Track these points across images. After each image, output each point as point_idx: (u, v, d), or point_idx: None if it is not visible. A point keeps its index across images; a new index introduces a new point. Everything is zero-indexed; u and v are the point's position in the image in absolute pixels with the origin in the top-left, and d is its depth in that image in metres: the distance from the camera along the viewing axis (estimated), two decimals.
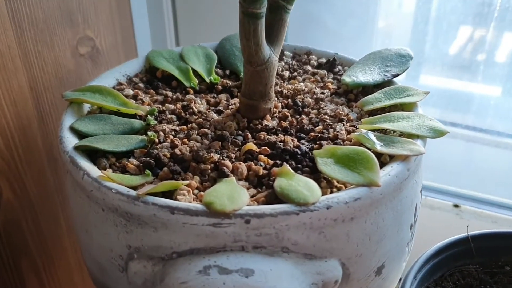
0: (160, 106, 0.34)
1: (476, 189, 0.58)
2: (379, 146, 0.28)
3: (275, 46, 0.32)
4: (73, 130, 0.30)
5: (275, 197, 0.26)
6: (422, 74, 0.60)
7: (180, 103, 0.34)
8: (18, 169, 0.38)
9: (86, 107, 0.34)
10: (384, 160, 0.28)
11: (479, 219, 0.53)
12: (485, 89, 0.58)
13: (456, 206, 0.54)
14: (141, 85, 0.37)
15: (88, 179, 0.26)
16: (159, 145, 0.30)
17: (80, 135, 0.30)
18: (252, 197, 0.26)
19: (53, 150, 0.41)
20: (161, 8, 0.48)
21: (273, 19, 0.31)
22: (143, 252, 0.26)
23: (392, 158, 0.28)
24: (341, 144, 0.29)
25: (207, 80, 0.37)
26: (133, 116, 0.33)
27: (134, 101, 0.34)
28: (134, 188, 0.26)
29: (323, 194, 0.26)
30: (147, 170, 0.28)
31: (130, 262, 0.26)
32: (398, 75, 0.36)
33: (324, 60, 0.40)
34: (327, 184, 0.27)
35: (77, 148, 0.28)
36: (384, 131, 0.31)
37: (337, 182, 0.27)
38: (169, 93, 0.36)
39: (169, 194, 0.26)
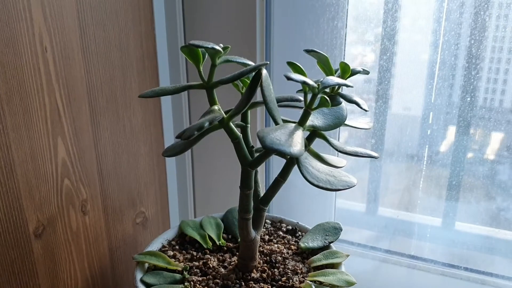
0: (189, 263, 0.57)
1: None
2: None
3: (257, 230, 0.55)
4: (141, 281, 0.53)
5: None
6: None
7: (201, 261, 0.57)
8: None
9: (146, 264, 0.56)
10: None
11: None
12: None
13: None
14: (177, 247, 0.60)
15: None
16: None
17: (146, 284, 0.53)
18: None
19: None
20: (185, 184, 0.72)
21: (256, 215, 0.55)
22: None
23: None
24: None
25: (217, 243, 0.60)
26: (174, 271, 0.55)
27: (174, 260, 0.57)
28: None
29: None
30: None
31: None
32: (332, 242, 0.59)
33: (290, 227, 0.63)
34: None
35: None
36: (320, 282, 0.53)
37: None
38: (194, 253, 0.59)
39: None
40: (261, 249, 0.59)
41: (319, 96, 0.45)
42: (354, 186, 0.45)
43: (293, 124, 0.45)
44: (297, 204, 0.81)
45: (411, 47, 0.73)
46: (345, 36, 0.72)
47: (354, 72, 0.52)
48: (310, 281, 0.53)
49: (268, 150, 0.40)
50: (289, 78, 0.41)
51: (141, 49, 0.60)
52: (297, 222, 0.64)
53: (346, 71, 0.51)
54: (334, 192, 0.83)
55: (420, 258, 0.83)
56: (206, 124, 0.41)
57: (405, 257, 0.84)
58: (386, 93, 0.75)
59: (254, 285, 0.53)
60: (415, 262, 0.83)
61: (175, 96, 0.66)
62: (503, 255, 0.79)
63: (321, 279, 0.53)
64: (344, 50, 0.72)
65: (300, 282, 0.53)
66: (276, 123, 0.45)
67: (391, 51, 0.72)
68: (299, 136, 0.43)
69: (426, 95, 0.74)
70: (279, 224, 0.64)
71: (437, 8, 0.69)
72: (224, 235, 0.62)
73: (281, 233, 0.63)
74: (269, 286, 0.53)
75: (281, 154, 0.56)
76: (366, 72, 0.53)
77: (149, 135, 0.63)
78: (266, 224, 0.64)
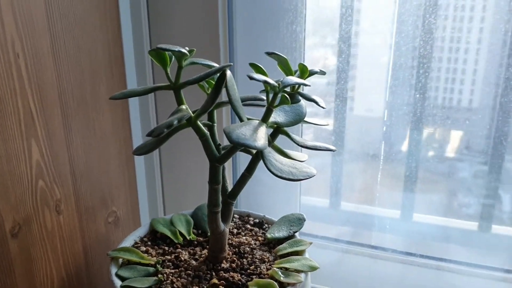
0: (162, 257, 0.60)
1: None
2: (282, 278, 0.54)
3: (226, 223, 0.58)
4: (117, 275, 0.55)
5: None
6: None
7: (173, 254, 0.60)
8: None
9: (120, 260, 0.59)
10: (285, 285, 0.54)
11: None
12: None
13: None
14: (149, 243, 0.62)
15: None
16: (164, 282, 0.55)
17: (121, 277, 0.55)
18: None
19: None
20: (154, 183, 0.75)
21: (225, 209, 0.58)
22: None
23: (288, 284, 0.54)
24: (263, 278, 0.55)
25: (188, 238, 0.63)
26: (147, 265, 0.58)
27: (146, 254, 0.60)
28: None
29: None
30: None
31: None
32: (297, 231, 0.63)
33: (257, 220, 0.67)
34: None
35: (123, 287, 0.53)
36: (286, 268, 0.57)
37: None
38: (166, 248, 0.61)
39: None
40: (230, 242, 0.62)
41: (280, 95, 0.49)
42: (314, 176, 0.49)
43: (257, 121, 0.48)
44: (263, 201, 0.85)
45: (370, 50, 0.78)
46: (304, 40, 0.76)
47: (312, 73, 0.56)
48: (277, 268, 0.56)
49: (234, 145, 0.44)
50: (251, 78, 0.45)
51: (109, 54, 0.63)
52: (264, 215, 0.67)
53: (304, 72, 0.55)
54: (298, 188, 0.87)
55: (381, 248, 0.88)
56: (175, 122, 0.45)
57: (366, 247, 0.89)
58: (343, 92, 0.80)
59: (224, 274, 0.56)
60: (376, 252, 0.88)
61: (142, 99, 0.68)
62: (456, 242, 0.84)
63: (286, 265, 0.56)
64: (304, 53, 0.77)
65: (267, 269, 0.57)
66: (241, 120, 0.48)
67: (346, 53, 0.77)
68: (263, 132, 0.46)
69: (383, 95, 0.79)
70: (246, 218, 0.68)
71: (391, 12, 0.74)
72: (194, 231, 0.65)
73: (248, 226, 0.66)
74: (238, 275, 0.56)
75: (247, 151, 0.60)
76: (322, 73, 0.58)
77: (118, 137, 0.66)
78: (234, 219, 0.67)
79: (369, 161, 0.84)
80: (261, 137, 0.45)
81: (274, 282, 0.53)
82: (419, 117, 0.76)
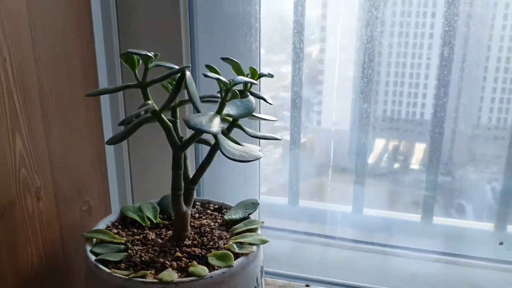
0: (131, 237, 0.68)
1: (324, 275, 0.93)
2: (237, 249, 0.63)
3: (188, 206, 0.67)
4: (91, 252, 0.63)
5: (189, 276, 0.59)
6: None
7: (141, 235, 0.68)
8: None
9: (94, 240, 0.66)
10: (240, 255, 0.63)
11: None
12: None
13: (307, 285, 0.88)
14: (120, 227, 0.70)
15: (105, 272, 0.58)
16: (134, 256, 0.63)
17: (95, 254, 0.63)
18: (179, 276, 0.60)
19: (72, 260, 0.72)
20: (123, 176, 0.83)
21: (187, 193, 0.67)
22: None
23: (242, 254, 0.63)
24: (220, 250, 0.64)
25: (155, 221, 0.71)
26: (119, 243, 0.66)
27: (118, 236, 0.67)
28: (126, 275, 0.58)
29: (210, 271, 0.59)
30: (130, 268, 0.60)
31: None
32: (251, 213, 0.72)
33: (217, 206, 0.76)
34: (212, 268, 0.61)
35: (96, 260, 0.61)
36: (241, 243, 0.65)
37: (217, 266, 0.61)
38: (135, 230, 0.69)
39: (142, 277, 0.59)
40: (192, 224, 0.70)
41: (231, 91, 0.58)
42: (261, 157, 0.59)
43: (212, 113, 0.58)
44: (224, 198, 0.94)
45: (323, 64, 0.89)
46: (259, 52, 0.86)
47: (261, 75, 0.66)
48: (232, 242, 0.65)
49: (192, 129, 0.52)
50: (206, 76, 0.54)
51: (83, 58, 0.71)
52: (223, 202, 0.76)
53: (254, 74, 0.65)
54: (258, 185, 0.97)
55: (333, 237, 0.98)
56: (143, 112, 0.53)
57: (320, 237, 0.98)
58: (299, 103, 0.90)
59: (186, 249, 0.64)
60: (328, 241, 0.98)
61: (113, 98, 0.77)
62: (399, 230, 0.95)
63: (241, 240, 0.65)
64: (260, 64, 0.86)
65: (224, 244, 0.65)
66: (199, 112, 0.57)
67: (299, 69, 0.87)
68: (217, 120, 0.56)
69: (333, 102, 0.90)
70: (207, 204, 0.76)
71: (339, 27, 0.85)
72: (161, 216, 0.73)
73: (209, 211, 0.75)
74: (199, 249, 0.64)
75: (205, 142, 0.69)
76: (270, 76, 0.68)
77: (91, 132, 0.74)
78: (196, 205, 0.76)
79: (324, 163, 0.94)
80: (215, 124, 0.54)
81: (229, 252, 0.62)
82: (365, 124, 0.87)
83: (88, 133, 0.74)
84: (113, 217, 0.72)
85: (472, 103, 0.83)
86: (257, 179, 0.95)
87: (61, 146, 0.69)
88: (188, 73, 0.57)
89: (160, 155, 0.81)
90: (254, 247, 0.64)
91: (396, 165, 0.91)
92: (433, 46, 0.81)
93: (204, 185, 0.92)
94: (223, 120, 0.65)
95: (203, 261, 0.62)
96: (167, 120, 0.60)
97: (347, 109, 0.89)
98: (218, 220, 0.72)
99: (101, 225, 0.69)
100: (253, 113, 0.67)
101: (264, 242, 0.65)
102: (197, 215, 0.74)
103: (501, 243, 0.83)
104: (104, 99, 0.76)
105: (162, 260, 0.61)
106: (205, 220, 0.72)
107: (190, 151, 0.84)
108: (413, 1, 0.81)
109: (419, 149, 0.90)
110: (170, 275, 0.58)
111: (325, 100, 0.94)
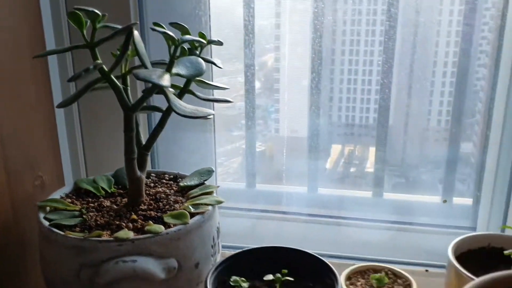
0: (86, 205, 0.67)
1: None
2: (192, 209, 0.64)
3: (142, 171, 0.67)
4: (45, 218, 0.62)
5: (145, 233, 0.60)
6: None
7: (96, 203, 0.68)
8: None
9: (48, 208, 0.65)
10: (195, 215, 0.63)
11: None
12: None
13: None
14: (74, 197, 0.70)
15: (59, 235, 0.58)
16: (89, 221, 0.63)
17: (48, 220, 0.62)
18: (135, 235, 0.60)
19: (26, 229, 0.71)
20: (76, 150, 0.82)
21: (141, 159, 0.67)
22: (86, 264, 0.57)
23: (197, 213, 0.64)
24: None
25: (109, 191, 0.71)
26: (73, 211, 0.65)
27: (72, 204, 0.67)
28: (81, 236, 0.58)
29: (166, 229, 0.60)
30: (85, 230, 0.60)
31: (80, 270, 0.57)
32: (206, 179, 0.73)
33: (172, 176, 0.76)
34: (168, 227, 0.61)
35: (50, 225, 0.60)
36: (196, 204, 0.66)
37: (173, 224, 0.61)
38: (90, 199, 0.69)
39: (97, 237, 0.59)
40: (148, 192, 0.71)
41: (179, 49, 0.59)
42: (212, 114, 0.60)
43: (162, 70, 0.58)
44: None
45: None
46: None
47: (209, 41, 0.67)
48: (188, 204, 0.66)
49: (141, 80, 0.53)
50: (153, 30, 0.55)
51: (28, 29, 0.71)
52: (178, 172, 0.77)
53: (203, 38, 0.66)
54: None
55: (289, 212, 1.00)
56: (91, 67, 0.54)
57: (277, 213, 1.00)
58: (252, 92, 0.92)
59: (142, 212, 0.65)
60: (284, 216, 1.00)
61: (62, 67, 0.76)
62: (351, 204, 0.98)
63: (197, 202, 0.66)
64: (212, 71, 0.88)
65: (180, 207, 0.66)
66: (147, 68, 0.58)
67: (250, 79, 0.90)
68: (167, 76, 0.56)
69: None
70: (162, 175, 0.77)
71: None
72: (115, 186, 0.73)
73: (164, 181, 0.75)
74: (155, 212, 0.65)
75: (157, 109, 0.69)
76: (220, 43, 0.69)
77: (42, 106, 0.73)
78: (151, 176, 0.76)
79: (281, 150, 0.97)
80: (165, 79, 0.55)
81: (185, 211, 0.62)
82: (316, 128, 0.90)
83: (39, 106, 0.73)
84: (67, 188, 0.71)
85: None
86: (213, 158, 0.96)
87: (12, 121, 0.68)
88: (135, 31, 0.58)
89: (113, 127, 0.81)
90: (210, 207, 0.65)
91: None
92: (379, 53, 0.86)
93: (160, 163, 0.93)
94: (174, 87, 0.66)
95: (159, 221, 0.62)
96: (117, 82, 0.60)
97: (304, 116, 0.93)
98: (174, 188, 0.72)
99: (55, 195, 0.69)
100: (206, 81, 0.68)
101: (219, 202, 0.66)
102: (152, 184, 0.74)
103: (444, 201, 0.87)
104: (53, 70, 0.75)
105: (117, 222, 0.62)
106: (160, 188, 0.72)
107: (143, 121, 0.84)
108: (362, 10, 0.85)
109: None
110: (126, 233, 0.58)
111: (282, 108, 0.97)
